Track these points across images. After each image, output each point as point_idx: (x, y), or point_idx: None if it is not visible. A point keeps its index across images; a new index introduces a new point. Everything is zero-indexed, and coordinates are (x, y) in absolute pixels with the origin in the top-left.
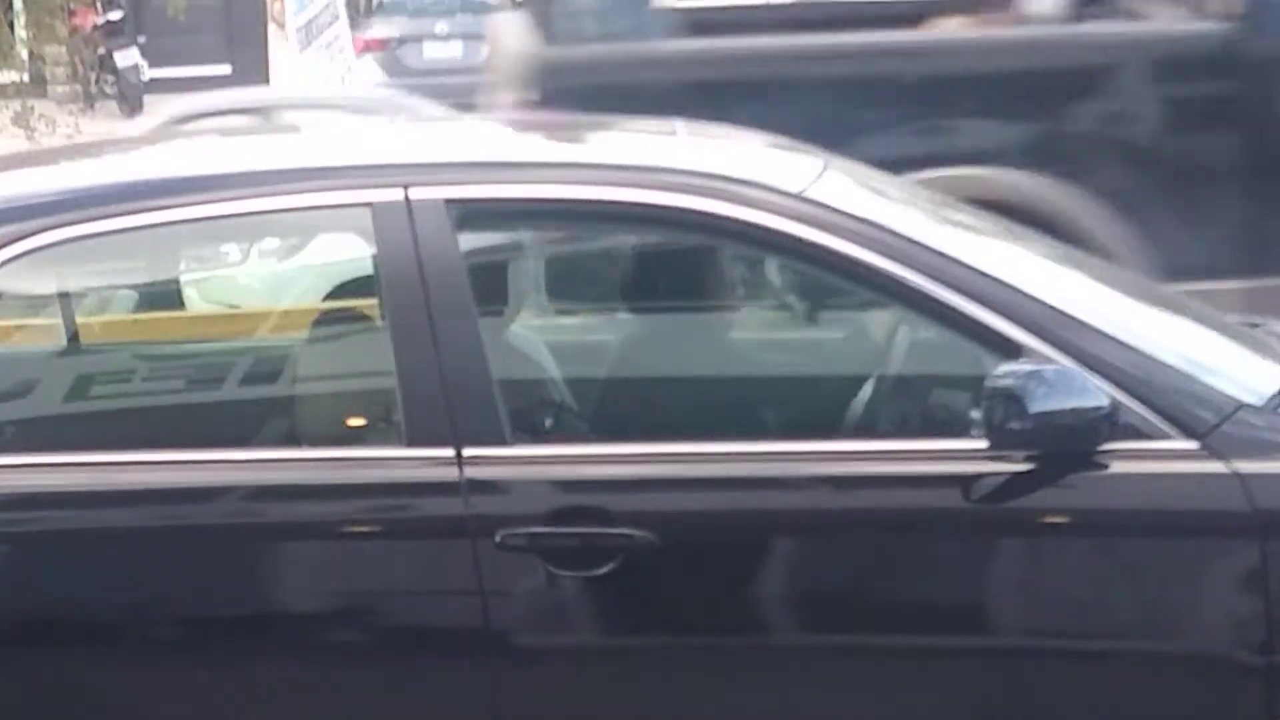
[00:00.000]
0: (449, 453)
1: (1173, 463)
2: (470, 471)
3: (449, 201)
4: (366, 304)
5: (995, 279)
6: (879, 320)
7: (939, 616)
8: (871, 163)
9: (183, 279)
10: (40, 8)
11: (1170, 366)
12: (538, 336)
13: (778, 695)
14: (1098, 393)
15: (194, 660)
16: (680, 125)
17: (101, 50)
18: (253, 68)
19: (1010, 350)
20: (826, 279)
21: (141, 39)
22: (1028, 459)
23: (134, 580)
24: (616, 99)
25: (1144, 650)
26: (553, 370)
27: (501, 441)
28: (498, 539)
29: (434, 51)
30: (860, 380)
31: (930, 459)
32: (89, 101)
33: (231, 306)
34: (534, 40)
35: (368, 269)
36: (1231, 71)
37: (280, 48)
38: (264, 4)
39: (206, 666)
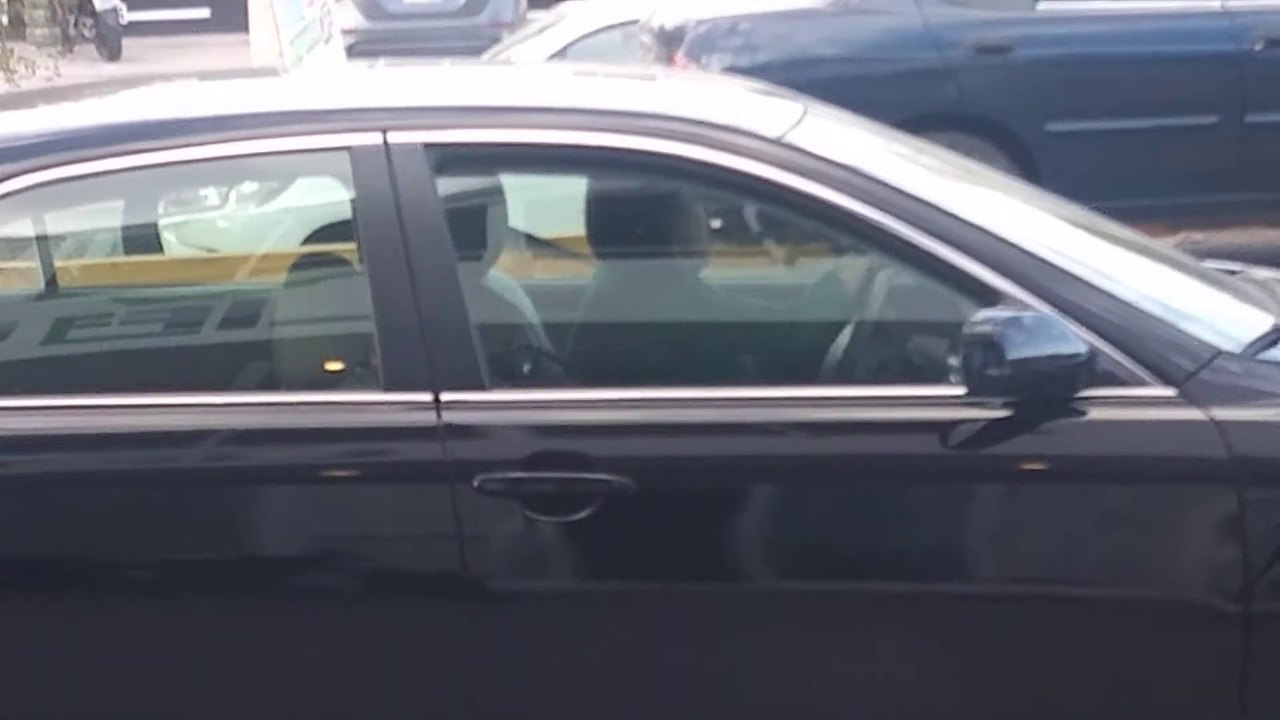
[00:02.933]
0: (427, 397)
1: (1150, 410)
2: (448, 416)
3: (428, 146)
4: (345, 248)
5: (974, 225)
6: (857, 266)
7: (916, 562)
8: None
9: (161, 223)
10: None
11: (1148, 313)
12: (516, 282)
13: (755, 641)
14: (1075, 339)
15: (171, 604)
16: (659, 70)
17: None
18: (232, 10)
19: (988, 297)
20: (805, 224)
21: None
22: (1005, 405)
23: (111, 524)
24: None
25: (1121, 597)
26: (531, 315)
27: (480, 386)
28: (476, 484)
29: None
30: (838, 326)
31: (908, 405)
32: (68, 45)
33: (210, 250)
34: None
35: (346, 213)
36: None
37: None
38: None
39: (184, 611)
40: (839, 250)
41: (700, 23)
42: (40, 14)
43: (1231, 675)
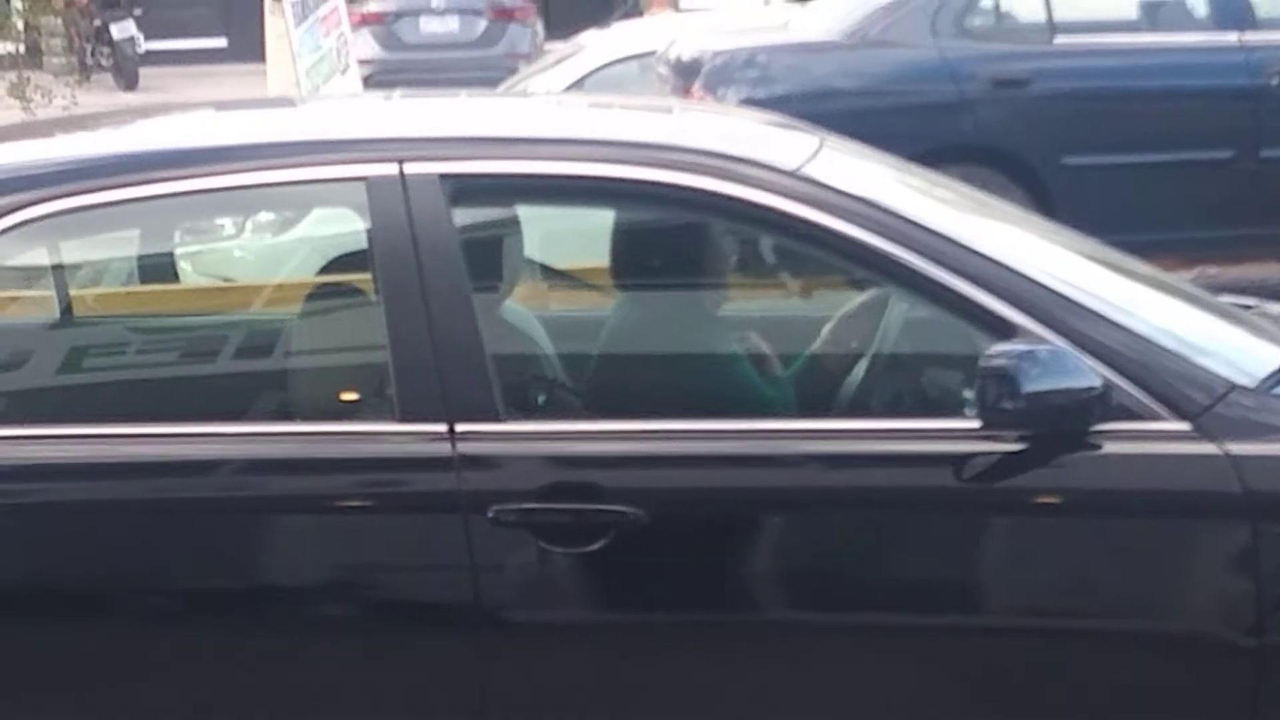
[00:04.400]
0: (442, 428)
1: (1164, 444)
2: (463, 447)
3: (444, 176)
4: (361, 279)
5: (989, 258)
6: (873, 299)
7: (930, 595)
8: None
9: (177, 252)
10: None
11: (1163, 347)
12: (531, 313)
13: (768, 673)
14: (1090, 373)
15: (185, 634)
16: (676, 102)
17: (97, 22)
18: (249, 40)
19: (1004, 330)
20: (821, 257)
21: (137, 11)
22: (1020, 439)
23: (126, 553)
24: None
25: (1134, 630)
26: (546, 346)
27: (494, 417)
28: (490, 514)
29: (430, 26)
30: (854, 359)
31: (922, 438)
32: (85, 73)
33: (225, 280)
34: None
35: (362, 243)
36: None
37: (275, 22)
38: None
39: (198, 640)
40: (855, 283)
41: (717, 55)
42: (57, 43)
43: (1244, 709)
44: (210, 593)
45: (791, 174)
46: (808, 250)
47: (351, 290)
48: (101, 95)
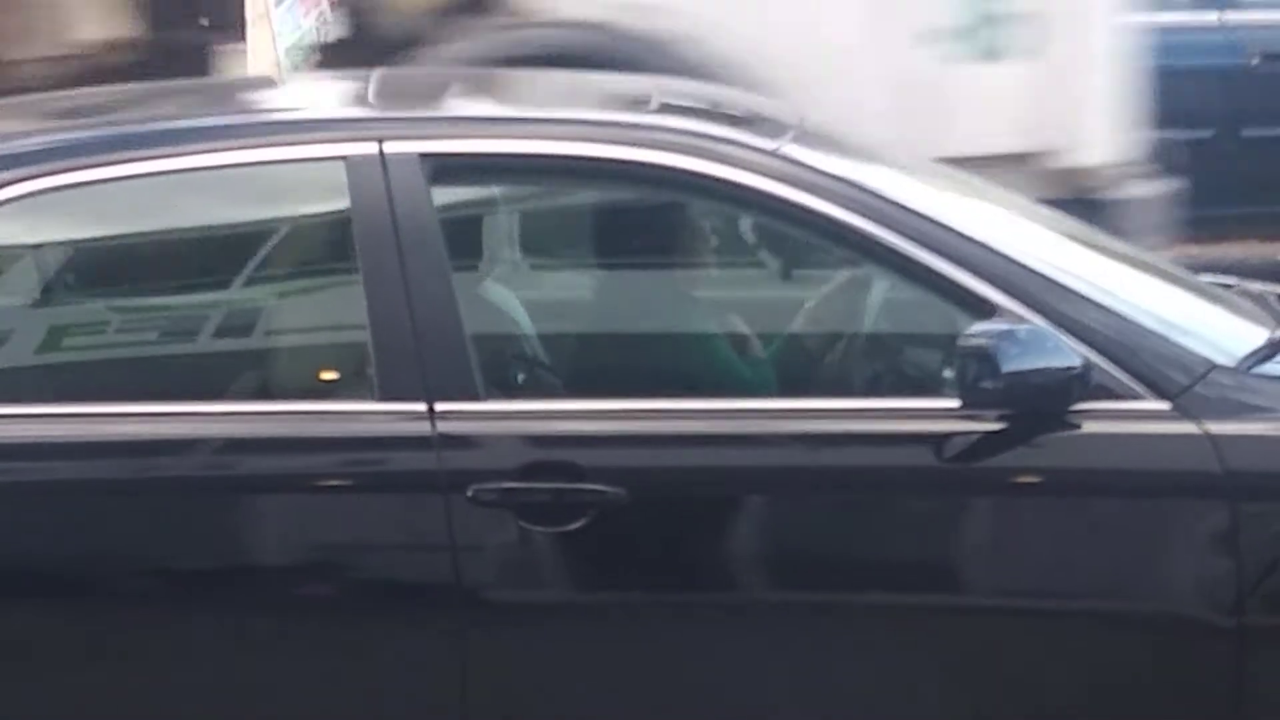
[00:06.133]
0: (421, 407)
1: (1144, 423)
2: (442, 426)
3: (424, 156)
4: (340, 258)
5: (969, 238)
6: (853, 278)
7: (910, 575)
8: None
9: (156, 231)
10: None
11: (1143, 327)
12: (511, 292)
13: (748, 652)
14: (1070, 353)
15: (163, 613)
16: (656, 82)
17: None
18: (228, 23)
19: (983, 309)
20: (800, 236)
21: None
22: (999, 418)
23: (104, 533)
24: None
25: (1114, 611)
26: (526, 326)
27: (474, 396)
28: (470, 494)
29: None
30: (834, 339)
31: (902, 418)
32: None
33: (204, 260)
34: None
35: (342, 223)
36: None
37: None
38: None
39: (176, 620)
40: (834, 263)
41: None
42: None
43: (1225, 689)
44: (189, 573)
45: (772, 153)
46: (788, 230)
47: (331, 270)
48: None
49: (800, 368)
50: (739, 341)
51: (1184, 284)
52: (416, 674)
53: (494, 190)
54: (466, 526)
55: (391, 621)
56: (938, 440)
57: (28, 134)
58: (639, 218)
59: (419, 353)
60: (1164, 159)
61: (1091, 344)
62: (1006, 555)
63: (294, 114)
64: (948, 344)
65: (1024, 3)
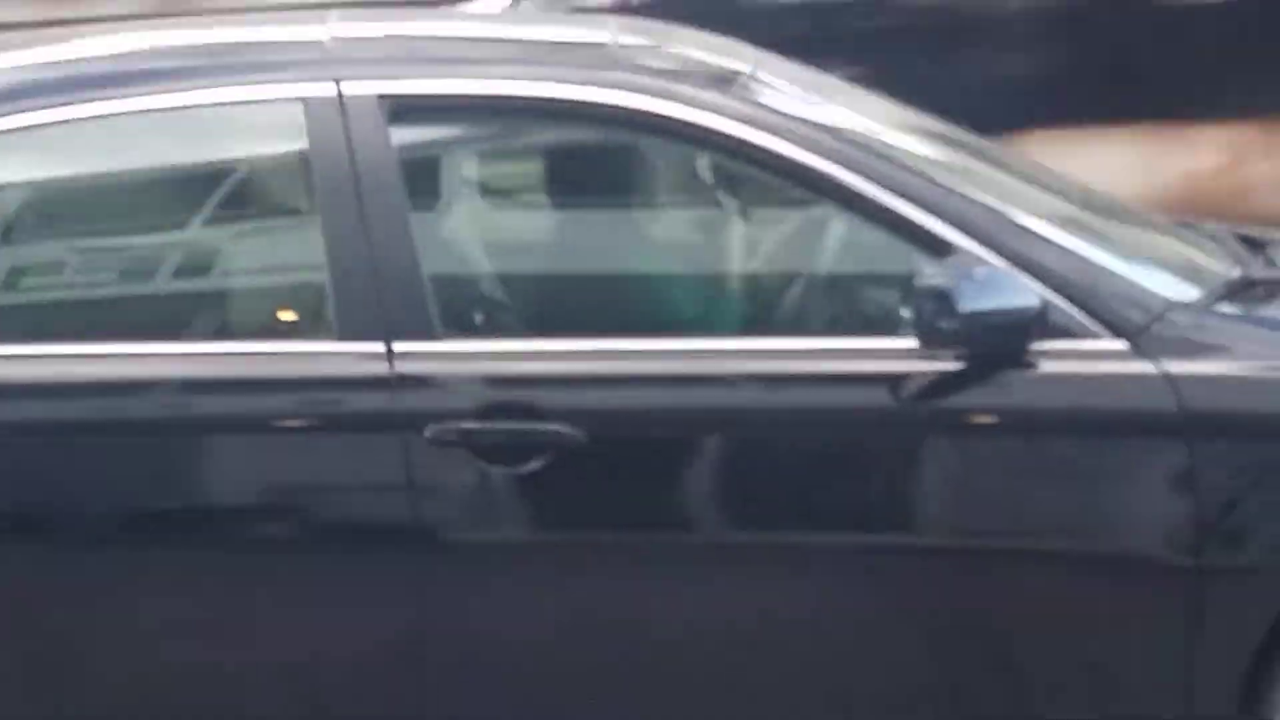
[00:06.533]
0: (379, 348)
1: (1102, 362)
2: (400, 366)
3: (382, 96)
4: (299, 199)
5: (927, 177)
6: (810, 218)
7: (869, 515)
8: None
9: (113, 173)
10: None
11: (1101, 266)
12: (470, 232)
13: (706, 592)
14: (1027, 292)
15: (122, 554)
16: (614, 21)
17: None
18: None
19: (941, 249)
20: (758, 176)
21: None
22: (957, 358)
23: (61, 474)
24: None
25: (1072, 550)
26: (484, 266)
27: (432, 337)
28: (427, 434)
29: None
30: (791, 278)
31: (859, 357)
32: None
33: (163, 200)
34: None
35: (300, 163)
36: None
37: None
38: None
39: (135, 561)
40: (792, 203)
41: None
42: None
43: (1182, 629)
44: (148, 514)
45: (729, 93)
46: (746, 169)
47: (290, 211)
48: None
49: (758, 308)
50: (697, 282)
51: (1142, 223)
52: (375, 614)
53: (453, 131)
54: (424, 467)
55: (350, 562)
56: (896, 380)
57: None
58: (597, 158)
59: (377, 293)
60: None
61: (1049, 283)
62: (964, 495)
63: (253, 55)
64: (905, 284)
65: None
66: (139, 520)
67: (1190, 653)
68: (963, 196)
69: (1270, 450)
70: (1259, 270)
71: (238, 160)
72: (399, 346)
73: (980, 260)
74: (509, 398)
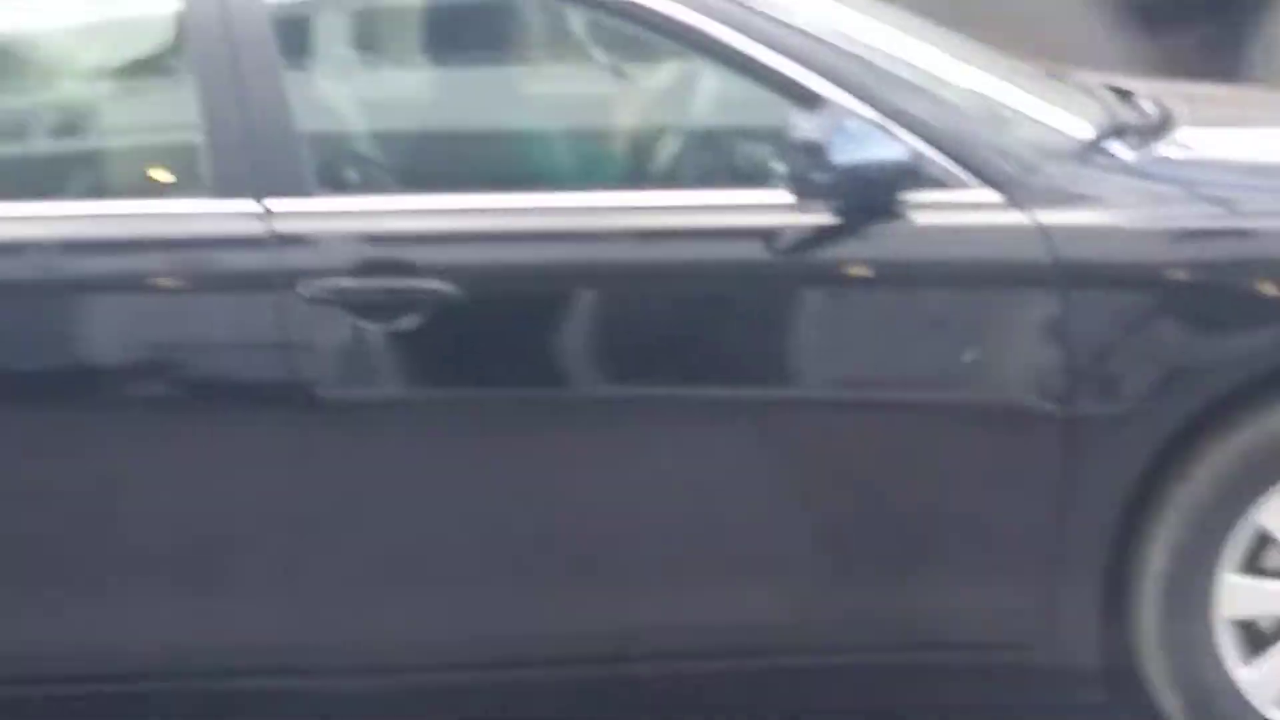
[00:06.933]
0: (253, 205)
1: (975, 214)
2: (275, 224)
3: None
4: (173, 57)
5: (798, 29)
6: (683, 71)
7: (743, 369)
8: None
9: None
10: None
11: (974, 117)
12: (344, 90)
13: (584, 449)
14: (900, 144)
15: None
16: None
17: None
18: None
19: (813, 102)
20: (629, 30)
21: None
22: (830, 211)
23: None
24: None
25: (946, 401)
26: (359, 123)
27: (306, 193)
28: (303, 291)
29: None
30: (664, 132)
31: (733, 211)
32: None
33: (34, 57)
34: None
35: (173, 20)
36: None
37: None
38: None
39: (13, 423)
40: (665, 56)
41: None
42: None
43: (1055, 477)
44: (26, 374)
45: None
46: (618, 24)
47: (164, 68)
48: None
49: (632, 162)
50: (571, 137)
51: (1016, 75)
52: (253, 473)
53: None
54: (300, 324)
55: (229, 420)
56: (769, 233)
57: None
58: (471, 15)
59: (250, 151)
60: None
61: (922, 135)
62: (838, 347)
63: None
64: (778, 138)
65: None
66: (14, 382)
67: (1063, 501)
68: (834, 48)
69: (1141, 299)
70: (1129, 119)
71: (110, 18)
72: (273, 203)
73: (853, 113)
74: (384, 255)
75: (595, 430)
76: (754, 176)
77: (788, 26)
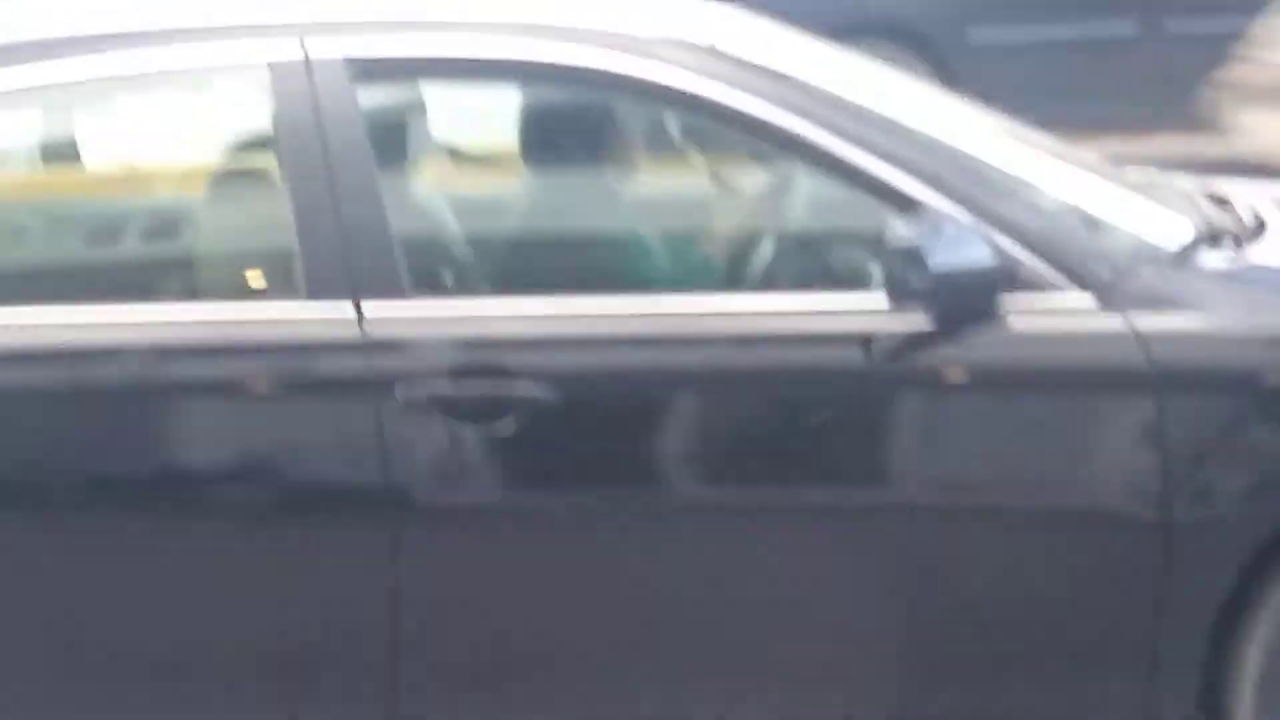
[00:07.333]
0: (348, 308)
1: (1070, 318)
2: (370, 328)
3: (349, 60)
4: (268, 162)
5: (896, 134)
6: (781, 175)
7: (841, 473)
8: None
9: (80, 136)
10: None
11: (1070, 222)
12: (438, 193)
13: (680, 552)
14: (996, 248)
15: (95, 522)
16: None
17: None
18: None
19: (910, 206)
20: (728, 134)
21: None
22: (927, 315)
23: (33, 441)
24: None
25: (1043, 507)
26: (454, 226)
27: (402, 296)
28: (398, 395)
29: None
30: (761, 236)
31: (830, 316)
32: None
33: (129, 164)
34: None
35: (268, 126)
36: None
37: None
38: None
39: (108, 528)
40: (762, 160)
41: None
42: None
43: (1151, 584)
44: (119, 480)
45: (698, 51)
46: (714, 127)
47: (258, 174)
48: None
49: (728, 266)
50: (667, 240)
51: (1109, 178)
52: (348, 578)
53: (421, 92)
54: (395, 428)
55: (322, 525)
56: (866, 338)
57: None
58: (567, 117)
59: (346, 255)
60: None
61: (1017, 238)
62: (935, 452)
63: (218, 18)
64: (876, 241)
65: None
66: (112, 488)
67: (1158, 606)
68: (931, 152)
69: (1236, 404)
70: (1225, 224)
71: (206, 123)
72: (368, 307)
73: (949, 217)
74: (480, 359)
75: (691, 534)
76: (851, 281)
77: (885, 131)
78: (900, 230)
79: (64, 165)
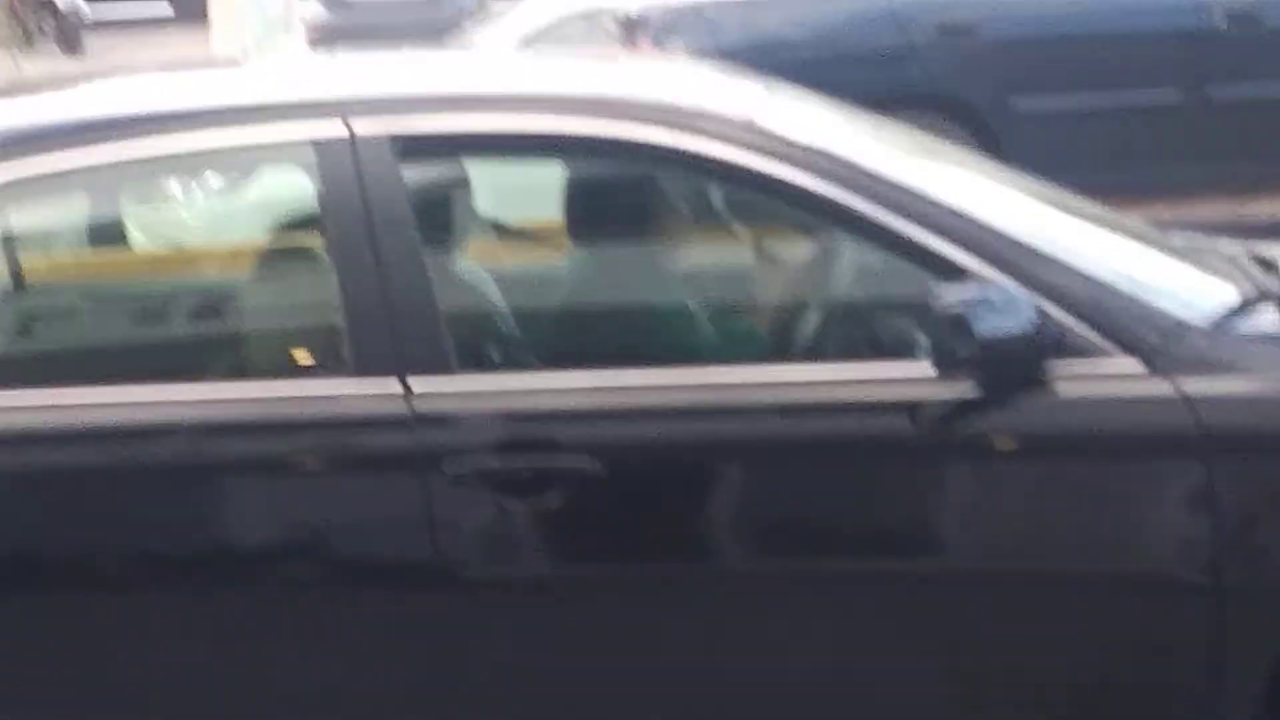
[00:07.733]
0: (395, 384)
1: (1119, 384)
2: (417, 403)
3: (394, 137)
4: (312, 240)
5: (940, 203)
6: (824, 245)
7: (890, 542)
8: None
9: (126, 217)
10: None
11: (1116, 287)
12: (484, 268)
13: (731, 623)
14: (1043, 315)
15: (143, 600)
16: (624, 56)
17: None
18: (194, 6)
19: (956, 274)
20: (772, 206)
21: None
22: (974, 383)
23: (81, 520)
24: None
25: (1093, 572)
26: (499, 302)
27: (448, 372)
28: (446, 471)
29: None
30: (807, 307)
31: (877, 385)
32: (28, 40)
33: (176, 244)
34: None
35: (313, 204)
36: None
37: None
38: None
39: (156, 606)
40: (806, 231)
41: (665, 9)
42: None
43: (1203, 648)
44: (168, 558)
45: (740, 124)
46: (759, 200)
47: (304, 252)
48: (46, 62)
49: (775, 337)
50: (712, 312)
51: (1156, 244)
52: (399, 652)
53: (465, 168)
54: (444, 504)
55: (372, 602)
56: (914, 407)
57: None
58: (610, 192)
59: (392, 331)
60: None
61: (1065, 305)
62: (984, 519)
63: (262, 97)
64: (922, 310)
65: None
66: (160, 565)
67: (1211, 672)
68: (976, 220)
69: None
70: (1272, 287)
71: (251, 202)
72: (415, 383)
73: (995, 284)
74: (528, 433)
75: (741, 606)
76: (897, 349)
77: (929, 199)
78: (946, 298)
79: (112, 246)
